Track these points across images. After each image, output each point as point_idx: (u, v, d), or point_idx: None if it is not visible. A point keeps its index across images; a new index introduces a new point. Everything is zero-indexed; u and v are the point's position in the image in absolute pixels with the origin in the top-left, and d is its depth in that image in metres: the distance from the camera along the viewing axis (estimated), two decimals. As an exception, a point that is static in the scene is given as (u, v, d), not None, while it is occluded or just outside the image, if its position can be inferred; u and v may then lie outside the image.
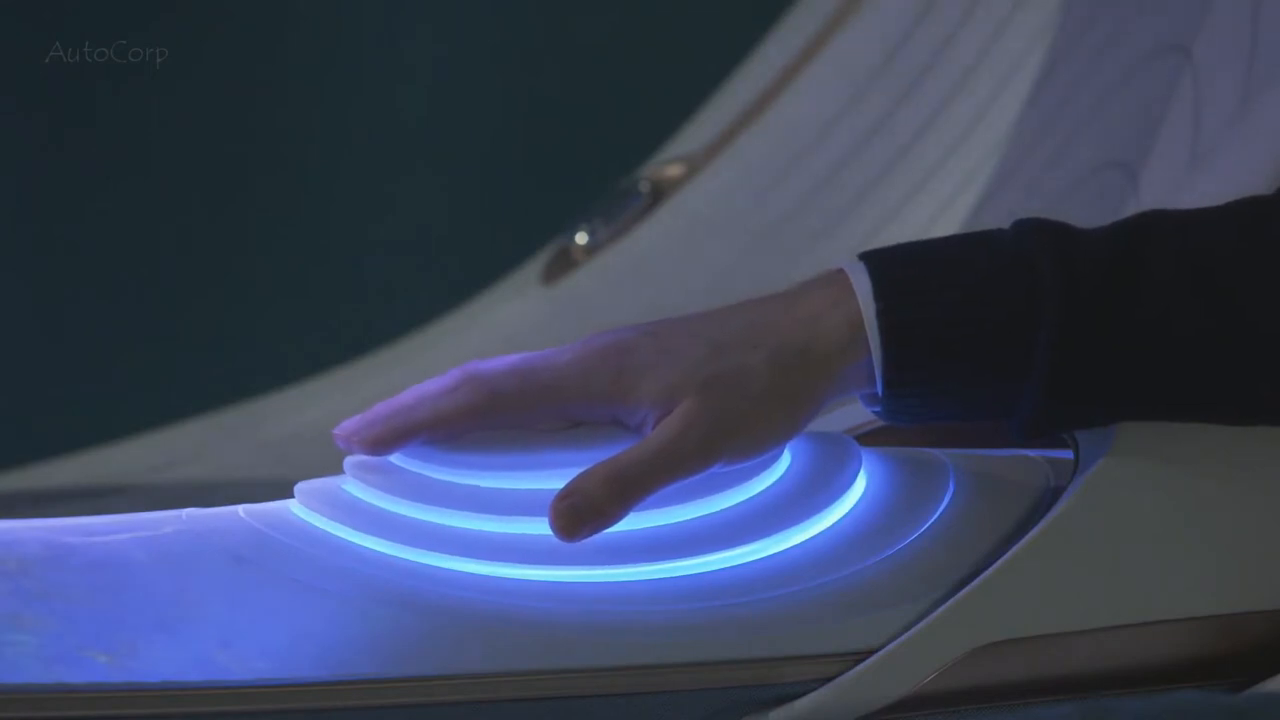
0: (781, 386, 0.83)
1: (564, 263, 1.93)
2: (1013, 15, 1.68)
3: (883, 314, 0.83)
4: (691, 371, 0.82)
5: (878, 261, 0.84)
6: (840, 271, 0.84)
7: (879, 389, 0.84)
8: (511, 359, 0.85)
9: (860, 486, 0.86)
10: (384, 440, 0.83)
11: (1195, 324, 0.83)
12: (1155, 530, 0.83)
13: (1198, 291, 0.83)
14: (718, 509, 0.84)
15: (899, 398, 0.84)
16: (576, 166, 2.30)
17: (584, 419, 0.84)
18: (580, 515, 0.81)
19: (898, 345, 0.83)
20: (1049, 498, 0.85)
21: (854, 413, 0.92)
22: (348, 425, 0.84)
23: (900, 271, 0.83)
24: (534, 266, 1.95)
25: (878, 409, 0.85)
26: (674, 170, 1.92)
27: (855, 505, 0.85)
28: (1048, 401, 0.83)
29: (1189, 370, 0.83)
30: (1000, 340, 0.83)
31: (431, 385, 0.84)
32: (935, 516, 0.85)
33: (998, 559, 0.82)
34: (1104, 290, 0.83)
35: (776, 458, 0.85)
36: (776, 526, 0.83)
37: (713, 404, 0.82)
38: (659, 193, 1.91)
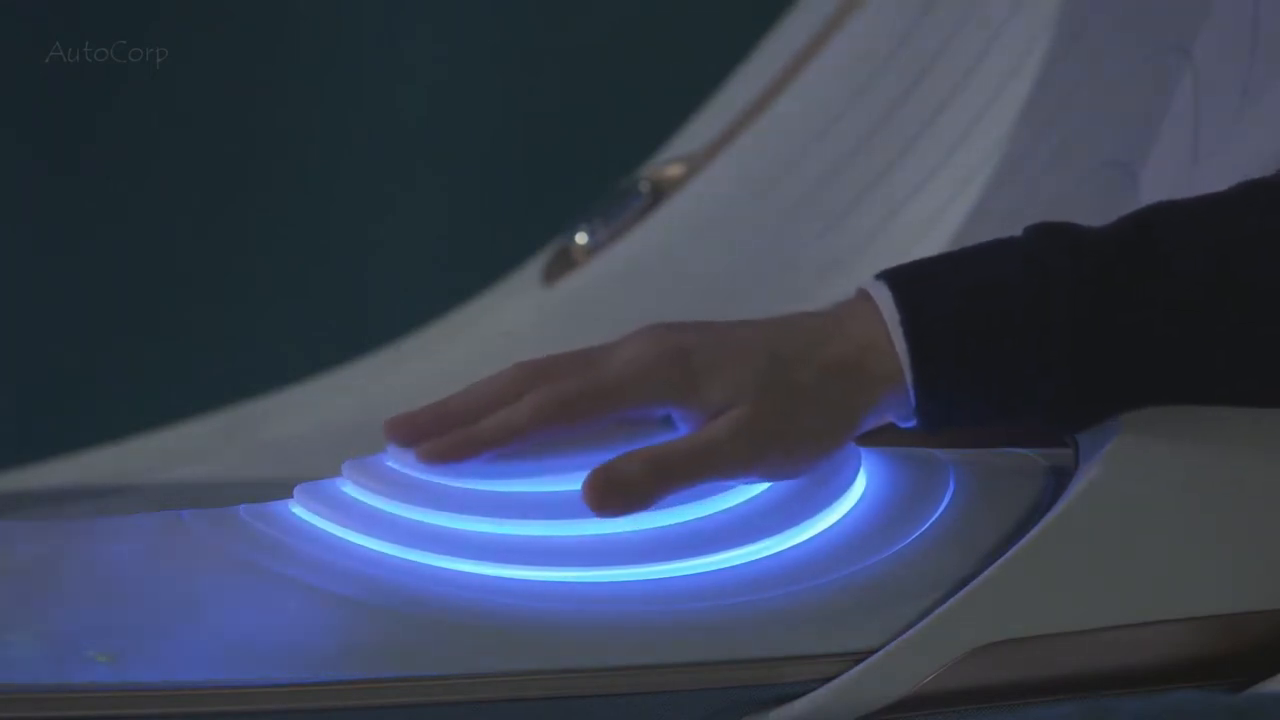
0: (829, 408, 0.84)
1: (564, 263, 1.93)
2: (1013, 15, 1.68)
3: (906, 324, 0.84)
4: (751, 379, 0.83)
5: (901, 280, 0.85)
6: (867, 295, 0.85)
7: (912, 401, 0.85)
8: (568, 360, 0.85)
9: (860, 487, 0.86)
10: (451, 457, 0.83)
11: (1209, 316, 0.84)
12: (1155, 530, 0.83)
13: (1210, 284, 0.84)
14: (717, 510, 0.84)
15: (931, 408, 0.85)
16: (576, 166, 2.30)
17: (637, 418, 0.84)
18: (615, 488, 0.81)
19: (928, 359, 0.84)
20: (1049, 498, 0.85)
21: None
22: (406, 427, 0.84)
23: (923, 287, 0.85)
24: (534, 266, 1.95)
25: (912, 422, 0.86)
26: (674, 170, 1.92)
27: (855, 505, 0.86)
28: (1075, 389, 0.84)
29: (1202, 361, 0.84)
30: (1023, 345, 0.84)
31: (492, 388, 0.84)
32: (935, 516, 0.85)
33: (998, 559, 0.82)
34: (1121, 287, 0.84)
35: None
36: (776, 528, 0.83)
37: (765, 415, 0.83)
38: (659, 193, 1.91)
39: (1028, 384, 0.84)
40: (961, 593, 0.82)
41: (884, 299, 0.85)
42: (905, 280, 0.85)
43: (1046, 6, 1.61)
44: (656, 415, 0.84)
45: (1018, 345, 0.84)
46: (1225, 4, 1.26)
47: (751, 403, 0.83)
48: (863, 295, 0.86)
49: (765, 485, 0.85)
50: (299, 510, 0.84)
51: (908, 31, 1.77)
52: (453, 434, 0.83)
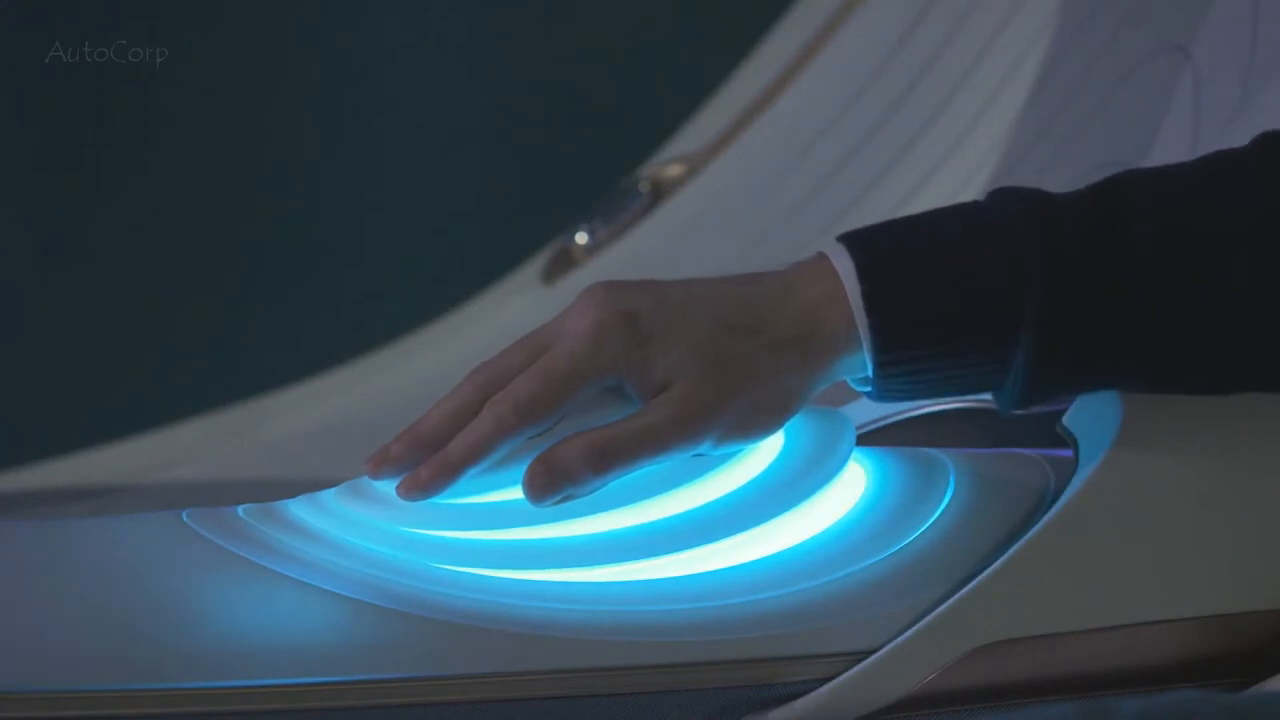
0: (778, 377, 0.84)
1: (564, 263, 1.93)
2: (1012, 15, 1.68)
3: (869, 295, 0.84)
4: (694, 352, 0.83)
5: (862, 246, 0.85)
6: (826, 259, 0.85)
7: (870, 370, 0.84)
8: (518, 353, 0.85)
9: (860, 485, 0.86)
10: (430, 489, 0.84)
11: (1172, 283, 0.83)
12: (1155, 530, 0.83)
13: (1171, 250, 0.84)
14: (715, 495, 0.84)
15: (890, 378, 0.84)
16: (576, 166, 2.30)
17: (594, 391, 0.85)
18: (556, 476, 0.82)
19: (892, 329, 0.83)
20: (1049, 498, 0.85)
21: (856, 412, 0.92)
22: (384, 465, 0.84)
23: (885, 253, 0.84)
24: (534, 266, 1.95)
25: (868, 389, 0.86)
26: (674, 170, 1.92)
27: (855, 505, 0.86)
28: (1037, 369, 0.83)
29: (1164, 327, 0.84)
30: (988, 312, 0.83)
31: (454, 405, 0.84)
32: (935, 516, 0.85)
33: (998, 559, 0.82)
34: (1085, 253, 0.83)
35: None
36: (776, 508, 0.84)
37: (708, 391, 0.83)
38: (659, 193, 1.91)
39: (992, 370, 0.84)
40: (961, 593, 0.82)
41: (843, 262, 0.84)
42: (864, 243, 0.85)
43: (1046, 6, 1.61)
44: (609, 384, 0.84)
45: (981, 308, 0.83)
46: (1225, 4, 1.26)
47: (695, 379, 0.83)
48: (820, 257, 0.85)
49: (761, 466, 0.85)
50: (299, 510, 0.84)
51: (908, 31, 1.77)
52: (427, 464, 0.83)
